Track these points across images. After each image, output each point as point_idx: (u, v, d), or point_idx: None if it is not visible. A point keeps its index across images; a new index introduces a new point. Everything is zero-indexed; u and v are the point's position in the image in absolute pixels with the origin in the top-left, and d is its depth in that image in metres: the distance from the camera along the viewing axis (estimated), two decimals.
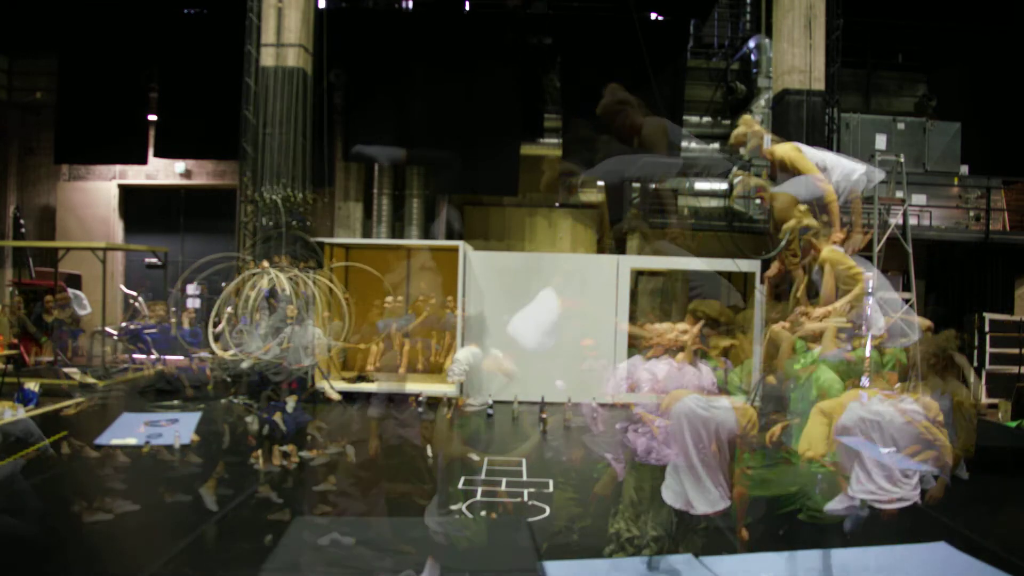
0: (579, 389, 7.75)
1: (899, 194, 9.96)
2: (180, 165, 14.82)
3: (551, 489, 6.14)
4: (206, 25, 13.50)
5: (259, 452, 6.60)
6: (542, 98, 13.73)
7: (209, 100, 12.54)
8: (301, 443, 6.91)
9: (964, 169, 12.30)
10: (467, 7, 14.19)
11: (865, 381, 4.70)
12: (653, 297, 10.77)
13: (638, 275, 10.78)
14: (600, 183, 14.18)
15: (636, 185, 12.70)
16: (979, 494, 5.35)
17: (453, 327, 10.08)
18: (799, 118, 10.58)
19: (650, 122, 5.87)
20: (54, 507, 5.30)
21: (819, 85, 10.73)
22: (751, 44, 13.70)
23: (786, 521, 4.59)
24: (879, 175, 6.12)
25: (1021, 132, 12.59)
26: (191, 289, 13.58)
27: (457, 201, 14.26)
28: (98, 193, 14.93)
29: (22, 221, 14.71)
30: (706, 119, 14.00)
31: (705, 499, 3.97)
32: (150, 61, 13.55)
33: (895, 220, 9.65)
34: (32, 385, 8.41)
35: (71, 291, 12.03)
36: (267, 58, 10.53)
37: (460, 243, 10.42)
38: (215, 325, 8.54)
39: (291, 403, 6.76)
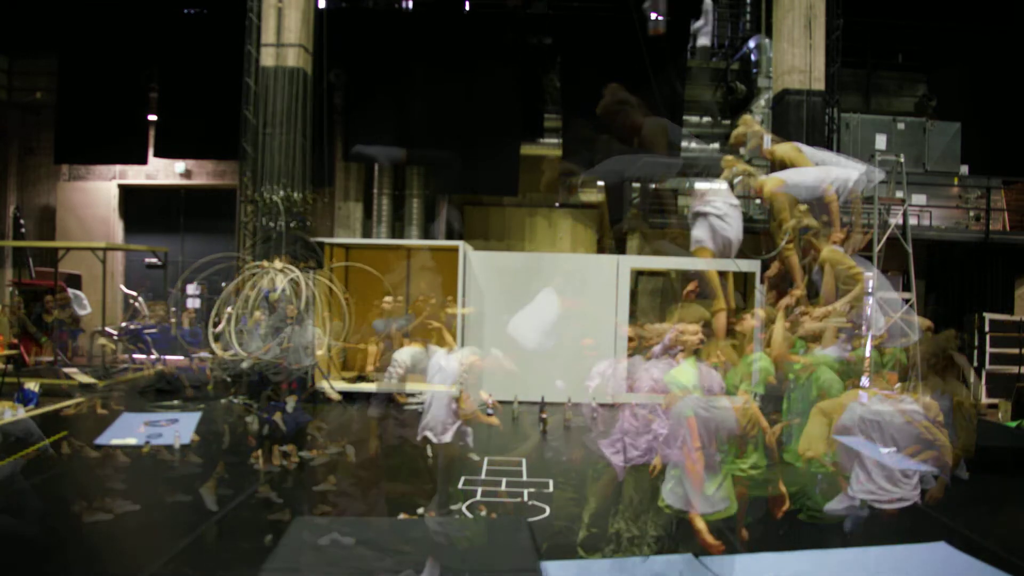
0: (579, 389, 7.74)
1: (899, 194, 9.96)
2: (180, 165, 14.82)
3: (551, 489, 6.14)
4: (206, 25, 13.50)
5: (259, 452, 6.61)
6: (542, 98, 13.71)
7: (209, 100, 12.54)
8: (301, 443, 6.90)
9: (964, 169, 12.31)
10: (467, 7, 14.18)
11: (865, 381, 4.71)
12: (653, 297, 10.77)
13: (638, 275, 10.79)
14: (600, 183, 14.16)
15: (636, 185, 12.70)
16: (979, 494, 5.36)
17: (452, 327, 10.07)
18: (799, 118, 10.58)
19: (650, 122, 5.89)
20: (54, 507, 5.29)
21: (819, 85, 10.73)
22: (751, 44, 13.70)
23: (786, 521, 4.60)
24: (879, 175, 6.13)
25: (1021, 132, 12.58)
26: (191, 289, 13.60)
27: (457, 201, 14.26)
28: (98, 193, 14.93)
29: (22, 221, 14.71)
30: (706, 119, 13.99)
31: (705, 499, 3.97)
32: (150, 61, 13.54)
33: (895, 220, 9.65)
34: (32, 385, 8.43)
35: (71, 291, 12.04)
36: (267, 58, 10.53)
37: (460, 243, 10.42)
38: (215, 325, 8.54)
39: (291, 403, 6.76)
